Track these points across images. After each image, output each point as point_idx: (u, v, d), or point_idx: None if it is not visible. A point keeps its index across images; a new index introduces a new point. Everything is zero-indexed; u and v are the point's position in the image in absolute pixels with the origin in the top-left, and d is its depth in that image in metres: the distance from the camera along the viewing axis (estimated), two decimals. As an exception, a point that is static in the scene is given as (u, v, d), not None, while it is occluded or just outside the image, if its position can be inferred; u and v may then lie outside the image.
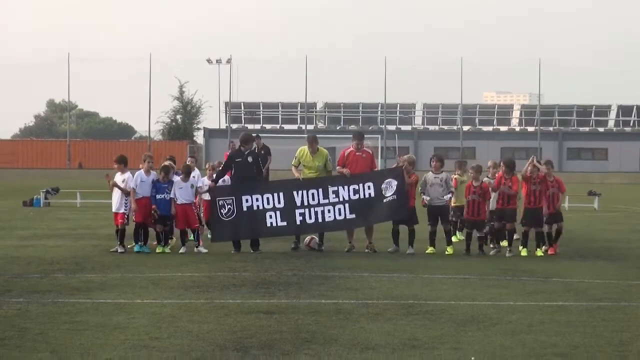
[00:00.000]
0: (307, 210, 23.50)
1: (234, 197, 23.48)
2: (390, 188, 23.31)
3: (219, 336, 12.30)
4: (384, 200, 23.45)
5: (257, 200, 23.47)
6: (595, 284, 18.31)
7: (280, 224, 23.55)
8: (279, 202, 23.47)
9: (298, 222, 23.58)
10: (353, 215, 23.63)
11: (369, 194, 23.50)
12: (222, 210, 23.35)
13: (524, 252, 23.23)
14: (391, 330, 12.87)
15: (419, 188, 24.16)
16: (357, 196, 23.51)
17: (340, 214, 23.59)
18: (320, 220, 23.60)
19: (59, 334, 12.43)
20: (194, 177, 24.22)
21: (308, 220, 23.57)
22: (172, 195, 23.46)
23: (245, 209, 23.41)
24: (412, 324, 13.40)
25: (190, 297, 15.98)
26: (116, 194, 23.40)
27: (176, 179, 23.78)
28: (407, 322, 13.56)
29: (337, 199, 23.53)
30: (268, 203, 23.46)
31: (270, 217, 23.49)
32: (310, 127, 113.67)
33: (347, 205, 23.52)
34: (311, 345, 11.73)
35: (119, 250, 22.90)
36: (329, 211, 23.55)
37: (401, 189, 23.42)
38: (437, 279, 18.86)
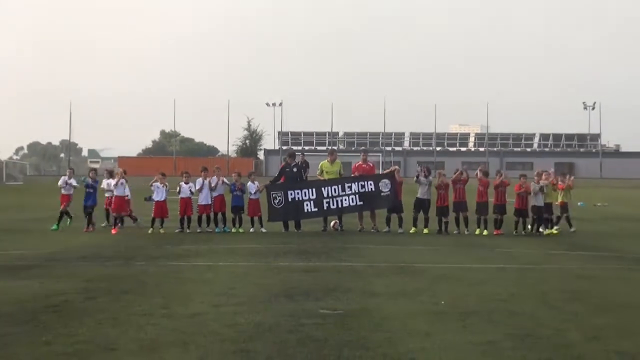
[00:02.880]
0: (331, 200, 23.97)
1: (282, 192, 23.92)
2: (385, 186, 24.03)
3: (274, 287, 12.30)
4: (382, 194, 24.06)
5: (297, 194, 23.95)
6: (525, 253, 18.22)
7: (313, 209, 23.98)
8: (312, 195, 23.90)
9: (325, 208, 24.00)
10: (361, 202, 24.12)
11: (371, 188, 24.06)
12: (274, 201, 23.82)
13: (477, 232, 23.24)
14: (389, 284, 12.84)
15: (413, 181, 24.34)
16: (363, 189, 24.04)
17: (352, 202, 24.05)
18: (340, 206, 24.05)
19: (168, 285, 12.49)
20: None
21: (332, 207, 24.01)
22: (251, 194, 24.11)
23: (290, 200, 23.86)
24: (403, 280, 13.37)
25: (255, 261, 16.02)
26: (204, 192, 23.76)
27: (250, 183, 24.50)
28: (399, 278, 13.53)
29: (350, 191, 24.04)
30: (305, 195, 23.89)
31: (307, 205, 23.89)
32: (335, 148, 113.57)
33: (357, 195, 24.02)
34: (335, 293, 11.72)
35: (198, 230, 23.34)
36: (345, 200, 24.01)
37: (393, 187, 24.02)
38: (419, 249, 18.80)
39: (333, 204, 23.95)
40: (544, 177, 24.35)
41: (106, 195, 25.13)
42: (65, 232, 22.96)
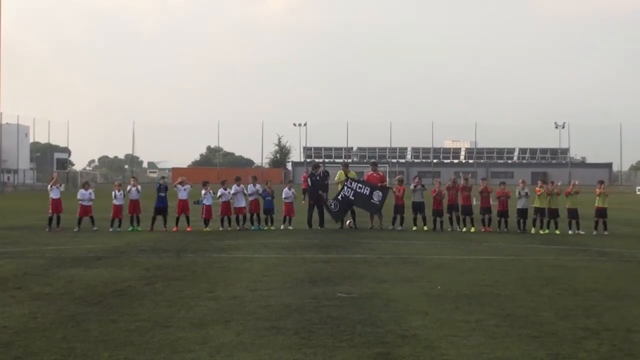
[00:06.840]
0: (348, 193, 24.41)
1: (334, 200, 24.36)
2: (377, 196, 24.24)
3: (300, 275, 12.32)
4: (371, 201, 24.25)
5: (344, 191, 24.43)
6: (507, 246, 18.15)
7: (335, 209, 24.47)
8: (339, 195, 24.46)
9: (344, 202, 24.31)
10: (353, 199, 24.31)
11: (365, 193, 24.28)
12: (331, 207, 24.32)
13: (464, 229, 23.20)
14: (394, 272, 12.82)
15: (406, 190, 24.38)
16: (360, 190, 24.28)
17: (351, 196, 24.33)
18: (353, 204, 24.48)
19: (213, 273, 12.53)
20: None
21: (349, 201, 24.29)
22: (286, 199, 24.28)
23: (340, 199, 24.20)
24: (406, 268, 13.35)
25: (284, 254, 16.03)
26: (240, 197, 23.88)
27: (286, 189, 24.73)
28: (403, 267, 13.52)
29: (352, 190, 24.38)
30: (348, 192, 24.37)
31: (331, 205, 24.46)
32: (349, 161, 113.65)
33: (352, 192, 24.30)
34: (350, 279, 11.72)
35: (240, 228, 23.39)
36: (348, 192, 24.41)
37: (384, 198, 24.20)
38: (419, 243, 18.76)
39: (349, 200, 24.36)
40: (601, 188, 23.50)
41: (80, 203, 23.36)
42: (126, 232, 23.03)
